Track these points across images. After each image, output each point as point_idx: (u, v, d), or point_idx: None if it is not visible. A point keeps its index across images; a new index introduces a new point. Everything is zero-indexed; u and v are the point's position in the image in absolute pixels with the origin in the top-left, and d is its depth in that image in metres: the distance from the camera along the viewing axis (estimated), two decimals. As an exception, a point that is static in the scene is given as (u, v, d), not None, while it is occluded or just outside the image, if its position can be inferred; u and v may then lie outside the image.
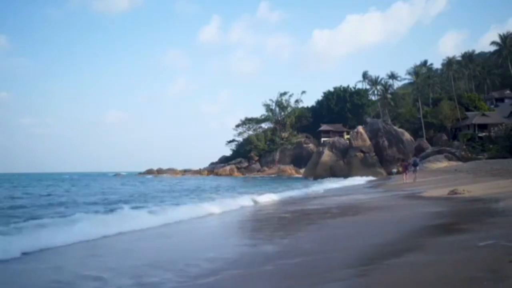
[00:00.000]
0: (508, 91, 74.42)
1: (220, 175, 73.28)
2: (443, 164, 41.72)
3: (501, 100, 73.45)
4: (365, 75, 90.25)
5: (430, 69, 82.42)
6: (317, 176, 49.65)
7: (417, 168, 28.01)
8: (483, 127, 60.02)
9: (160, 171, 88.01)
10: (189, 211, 12.81)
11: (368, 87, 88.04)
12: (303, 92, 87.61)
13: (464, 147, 50.30)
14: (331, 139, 58.52)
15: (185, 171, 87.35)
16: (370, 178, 41.79)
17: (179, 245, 8.08)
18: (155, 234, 9.43)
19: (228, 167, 77.99)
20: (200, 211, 13.02)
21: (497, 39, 72.47)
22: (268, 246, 7.09)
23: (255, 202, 16.61)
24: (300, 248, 6.71)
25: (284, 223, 10.38)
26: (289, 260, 5.71)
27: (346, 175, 46.81)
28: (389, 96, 77.12)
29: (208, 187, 34.26)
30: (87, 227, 9.02)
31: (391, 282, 4.15)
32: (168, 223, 10.78)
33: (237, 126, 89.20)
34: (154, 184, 42.83)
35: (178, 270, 5.51)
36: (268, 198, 18.04)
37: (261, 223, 11.01)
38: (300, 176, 61.41)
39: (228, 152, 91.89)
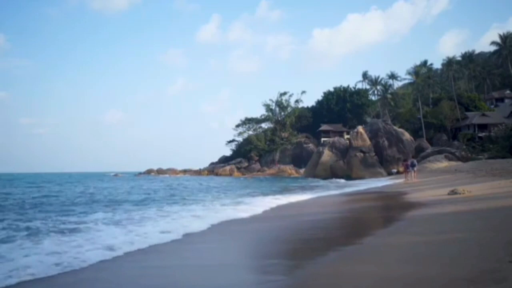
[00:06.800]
0: (508, 91, 74.38)
1: (220, 175, 73.15)
2: (443, 164, 41.66)
3: (501, 100, 73.44)
4: (365, 75, 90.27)
5: (430, 69, 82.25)
6: (317, 176, 49.70)
7: (415, 168, 28.75)
8: (483, 127, 59.97)
9: (160, 171, 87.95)
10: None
11: (368, 87, 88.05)
12: (303, 92, 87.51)
13: (464, 147, 50.21)
14: (331, 139, 58.45)
15: (185, 171, 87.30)
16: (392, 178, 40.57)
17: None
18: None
19: (228, 167, 77.89)
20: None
21: (497, 39, 72.57)
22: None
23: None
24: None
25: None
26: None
27: (346, 176, 46.80)
28: (389, 96, 77.05)
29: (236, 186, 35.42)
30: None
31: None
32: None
33: (237, 126, 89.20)
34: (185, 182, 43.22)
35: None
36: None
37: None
38: (300, 175, 61.32)
39: (228, 152, 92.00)
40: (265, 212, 13.53)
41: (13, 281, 5.34)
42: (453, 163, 41.86)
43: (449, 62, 73.72)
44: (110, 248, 7.31)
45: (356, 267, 5.25)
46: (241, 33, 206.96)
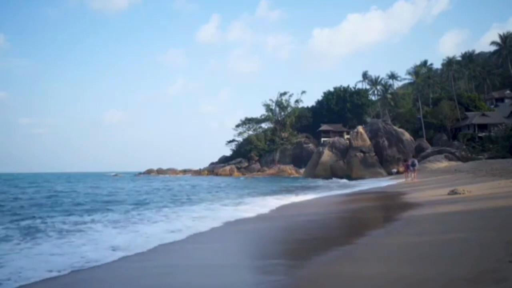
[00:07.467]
0: (508, 91, 74.39)
1: (220, 175, 73.13)
2: (443, 164, 41.66)
3: (501, 100, 73.45)
4: (365, 75, 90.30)
5: (430, 69, 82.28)
6: (317, 176, 49.69)
7: (415, 168, 28.88)
8: (483, 127, 59.97)
9: (160, 171, 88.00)
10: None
11: (368, 87, 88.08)
12: (303, 92, 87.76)
13: (464, 147, 50.21)
14: (331, 139, 58.43)
15: (185, 171, 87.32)
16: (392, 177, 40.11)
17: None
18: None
19: (228, 167, 77.89)
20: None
21: (497, 39, 72.58)
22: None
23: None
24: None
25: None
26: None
27: (346, 176, 46.78)
28: (389, 96, 77.05)
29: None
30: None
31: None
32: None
33: (237, 126, 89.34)
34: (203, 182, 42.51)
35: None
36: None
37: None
38: (300, 175, 61.30)
39: (228, 152, 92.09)
40: (265, 212, 13.50)
41: (14, 284, 5.23)
42: (453, 163, 41.87)
43: (449, 62, 73.73)
44: (111, 248, 7.29)
45: (357, 267, 5.25)
46: (241, 33, 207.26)
